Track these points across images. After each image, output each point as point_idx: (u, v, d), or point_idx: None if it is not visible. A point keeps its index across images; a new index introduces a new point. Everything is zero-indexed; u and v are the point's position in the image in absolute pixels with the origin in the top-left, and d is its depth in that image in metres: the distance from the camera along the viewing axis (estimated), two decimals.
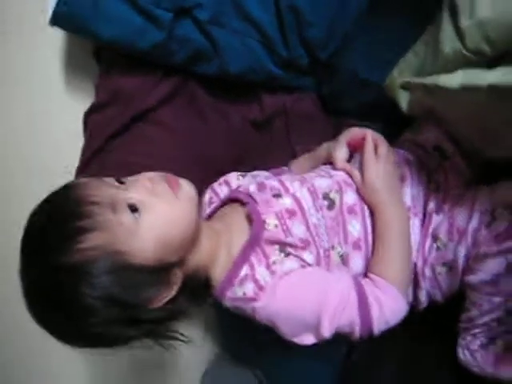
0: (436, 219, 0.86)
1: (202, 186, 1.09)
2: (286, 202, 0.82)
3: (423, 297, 0.88)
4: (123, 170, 1.08)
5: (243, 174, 0.95)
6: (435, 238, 0.85)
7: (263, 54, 1.05)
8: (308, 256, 0.79)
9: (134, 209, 0.73)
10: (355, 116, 1.07)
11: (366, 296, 0.76)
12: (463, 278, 0.82)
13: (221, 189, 0.94)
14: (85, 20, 1.00)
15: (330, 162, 0.92)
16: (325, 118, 1.11)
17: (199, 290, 0.80)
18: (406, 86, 0.83)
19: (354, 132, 0.89)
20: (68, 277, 0.69)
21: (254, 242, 0.78)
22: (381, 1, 0.96)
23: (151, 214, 0.73)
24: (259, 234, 0.79)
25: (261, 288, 0.76)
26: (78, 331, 0.72)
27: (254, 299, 0.76)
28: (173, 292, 0.75)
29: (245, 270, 0.77)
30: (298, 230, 0.80)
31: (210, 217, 0.91)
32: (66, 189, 0.75)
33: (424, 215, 0.87)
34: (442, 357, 0.95)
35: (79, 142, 1.17)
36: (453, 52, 0.73)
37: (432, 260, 0.85)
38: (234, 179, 0.94)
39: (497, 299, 0.81)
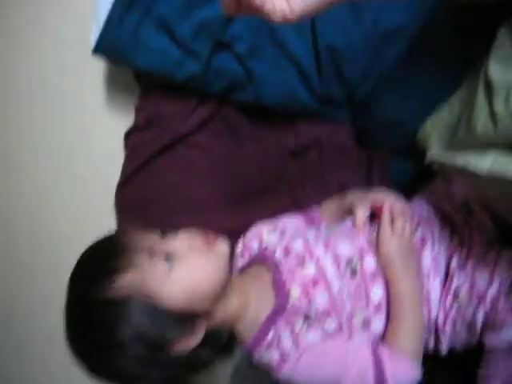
0: (458, 278, 0.86)
1: (235, 211, 1.14)
2: (310, 271, 0.85)
3: (443, 347, 0.89)
4: (162, 192, 1.15)
5: (273, 227, 0.97)
6: (456, 296, 0.85)
7: (299, 87, 1.05)
8: (330, 325, 0.82)
9: (168, 258, 0.79)
10: (388, 152, 1.07)
11: (383, 370, 0.79)
12: (481, 338, 0.83)
13: (251, 244, 0.97)
14: (125, 50, 1.04)
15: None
16: (359, 151, 1.11)
17: (221, 344, 0.84)
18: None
19: (376, 198, 0.91)
20: (100, 309, 0.75)
21: (279, 312, 0.83)
22: (422, 49, 0.95)
23: (183, 266, 0.79)
24: (284, 305, 0.83)
25: (284, 360, 0.81)
26: (102, 362, 0.78)
27: (278, 368, 0.81)
28: (195, 341, 0.79)
29: (271, 335, 0.82)
30: (320, 300, 0.82)
31: (239, 272, 0.94)
32: (114, 233, 0.85)
33: (446, 273, 0.88)
34: None
35: (120, 160, 1.21)
36: (485, 132, 0.71)
37: (452, 317, 0.86)
38: (265, 234, 0.97)
39: None
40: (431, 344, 0.90)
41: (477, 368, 0.89)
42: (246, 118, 1.14)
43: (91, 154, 1.30)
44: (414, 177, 0.90)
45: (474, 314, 0.83)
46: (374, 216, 0.91)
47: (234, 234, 1.10)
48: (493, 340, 0.81)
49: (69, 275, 0.81)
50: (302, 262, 0.86)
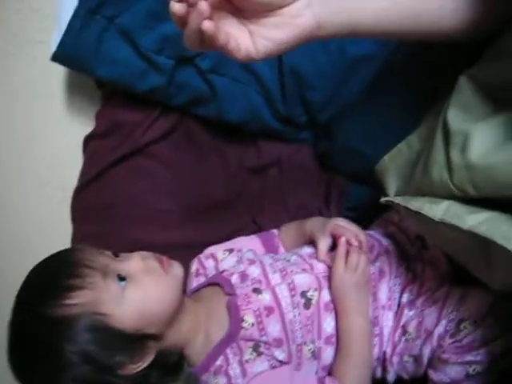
0: (407, 314, 0.87)
1: (194, 224, 1.14)
2: (265, 298, 0.85)
3: (390, 376, 0.90)
4: (118, 201, 1.14)
5: (229, 248, 0.97)
6: (405, 330, 0.86)
7: (262, 106, 1.05)
8: (280, 354, 0.83)
9: (122, 278, 0.78)
10: (348, 177, 1.07)
11: None
12: (426, 370, 0.85)
13: (208, 262, 0.97)
14: (86, 60, 1.02)
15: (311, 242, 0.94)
16: (319, 173, 1.11)
17: (171, 366, 0.83)
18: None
19: (335, 228, 0.90)
20: (49, 328, 0.74)
21: (231, 339, 0.83)
22: (387, 80, 0.95)
23: (136, 287, 0.78)
24: (236, 332, 0.83)
25: None
26: (47, 382, 0.76)
27: None
28: (145, 363, 0.78)
29: (220, 361, 0.82)
30: (273, 329, 0.83)
31: (193, 293, 0.93)
32: (66, 251, 0.83)
33: (398, 306, 0.89)
34: None
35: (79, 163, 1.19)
36: (440, 180, 0.72)
37: (400, 350, 0.87)
38: (221, 254, 0.96)
39: None
40: (378, 373, 0.92)
41: None
42: (209, 132, 1.13)
43: (51, 156, 1.27)
44: (372, 203, 0.90)
45: (421, 349, 0.84)
46: (335, 246, 0.91)
47: (191, 248, 1.10)
48: (437, 376, 0.83)
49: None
50: (258, 289, 0.86)
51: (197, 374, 0.85)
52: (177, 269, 0.84)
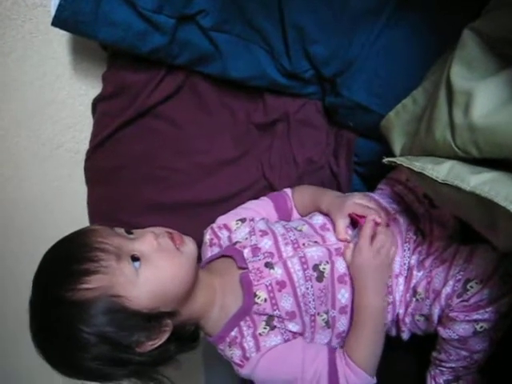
0: (417, 275, 0.88)
1: (204, 181, 1.14)
2: (278, 272, 0.85)
3: (405, 335, 0.92)
4: (131, 162, 1.15)
5: (242, 218, 0.96)
6: (415, 291, 0.87)
7: (267, 62, 1.03)
8: (294, 326, 0.84)
9: (135, 258, 0.79)
10: (355, 131, 1.06)
11: (337, 377, 0.83)
12: (436, 327, 0.86)
13: (221, 233, 0.96)
14: (86, 24, 0.99)
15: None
16: (327, 128, 1.10)
17: (187, 339, 0.86)
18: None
19: (358, 208, 0.89)
20: (67, 311, 0.76)
21: (245, 312, 0.85)
22: (390, 34, 0.92)
23: (151, 267, 0.80)
24: (249, 307, 0.84)
25: (246, 358, 0.83)
26: (70, 363, 0.79)
27: (239, 365, 0.84)
28: (162, 340, 0.80)
29: (234, 333, 0.85)
30: (286, 303, 0.84)
31: (207, 263, 0.94)
32: (79, 233, 0.83)
33: (408, 269, 0.89)
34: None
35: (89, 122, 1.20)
36: (443, 140, 0.70)
37: (411, 310, 0.89)
38: (233, 224, 0.96)
39: (463, 353, 0.86)
40: (393, 333, 0.94)
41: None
42: (215, 89, 1.12)
43: (62, 120, 1.28)
44: (380, 157, 0.89)
45: (431, 308, 0.85)
46: (354, 223, 0.91)
47: (202, 206, 1.12)
48: (446, 333, 0.84)
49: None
50: (269, 262, 0.86)
51: (213, 343, 0.88)
52: (190, 245, 0.84)
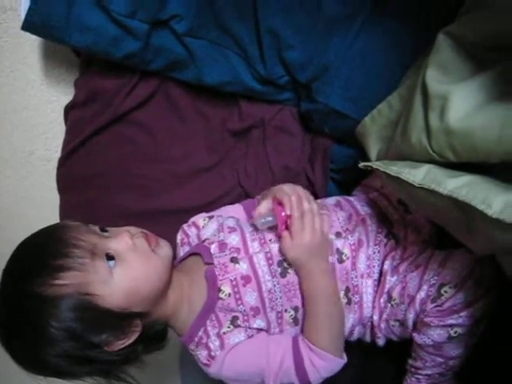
0: (390, 280, 0.87)
1: (180, 189, 1.13)
2: (242, 267, 0.85)
3: (380, 341, 0.92)
4: (104, 170, 1.13)
5: (210, 215, 0.96)
6: (390, 297, 0.87)
7: (242, 68, 1.02)
8: (259, 323, 0.84)
9: (110, 257, 0.79)
10: (331, 138, 1.05)
11: (302, 362, 0.82)
12: (411, 333, 0.86)
13: (190, 231, 0.96)
14: (57, 28, 0.97)
15: None
16: (303, 134, 1.09)
17: (155, 339, 0.85)
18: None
19: (278, 193, 0.87)
20: (38, 305, 0.75)
21: (209, 308, 0.84)
22: (365, 40, 0.92)
23: (125, 266, 0.79)
24: (213, 302, 0.84)
25: (212, 357, 0.83)
26: (35, 358, 0.78)
27: (206, 365, 0.84)
28: (131, 340, 0.80)
29: (201, 333, 0.84)
30: (250, 298, 0.84)
31: (178, 263, 0.94)
32: (55, 228, 0.83)
33: (380, 273, 0.89)
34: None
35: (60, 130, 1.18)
36: (419, 145, 0.70)
37: (386, 316, 0.88)
38: (201, 221, 0.96)
39: (439, 359, 0.86)
40: (368, 338, 0.93)
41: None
42: (190, 95, 1.10)
43: (32, 127, 1.25)
44: (356, 164, 0.88)
45: (405, 314, 0.85)
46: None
47: (177, 214, 1.10)
48: (421, 339, 0.84)
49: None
50: (235, 258, 0.86)
51: (184, 344, 0.87)
52: (165, 248, 0.84)
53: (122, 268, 0.78)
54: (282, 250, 0.84)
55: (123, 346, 0.79)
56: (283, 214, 0.84)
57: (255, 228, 0.88)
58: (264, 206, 0.87)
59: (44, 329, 0.75)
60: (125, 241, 0.80)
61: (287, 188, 0.88)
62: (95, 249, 0.78)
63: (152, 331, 0.83)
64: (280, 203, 0.85)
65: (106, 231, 0.83)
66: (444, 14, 0.82)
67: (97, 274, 0.76)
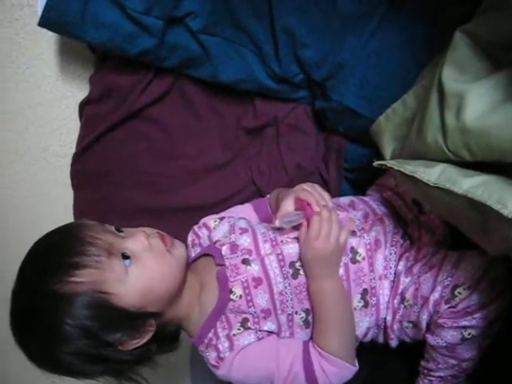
0: (404, 281, 0.86)
1: (195, 185, 1.13)
2: (254, 269, 0.84)
3: (393, 342, 0.91)
4: (119, 166, 1.13)
5: (221, 216, 0.96)
6: (403, 298, 0.86)
7: (257, 65, 1.02)
8: (269, 326, 0.84)
9: (126, 257, 0.79)
10: (345, 137, 1.05)
11: (312, 368, 0.81)
12: (425, 335, 0.85)
13: (201, 232, 0.96)
14: (73, 24, 0.98)
15: None
16: (317, 133, 1.09)
17: (168, 340, 0.85)
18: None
19: (301, 193, 0.85)
20: (53, 302, 0.75)
21: (220, 309, 0.84)
22: (381, 39, 0.92)
23: (140, 266, 0.79)
24: (225, 303, 0.84)
25: (221, 359, 0.82)
26: (49, 356, 0.78)
27: (215, 366, 0.83)
28: (144, 340, 0.80)
29: (211, 335, 0.84)
30: (261, 300, 0.83)
31: (190, 264, 0.93)
32: (72, 226, 0.83)
33: (394, 274, 0.88)
34: None
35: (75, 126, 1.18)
36: (434, 144, 0.69)
37: (399, 317, 0.87)
38: (212, 222, 0.95)
39: (452, 361, 0.85)
40: (380, 340, 0.93)
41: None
42: (204, 92, 1.11)
43: (47, 123, 1.26)
44: (370, 163, 0.88)
45: (419, 315, 0.84)
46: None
47: (190, 211, 1.11)
48: (434, 340, 0.83)
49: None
50: (247, 259, 0.86)
51: (194, 345, 0.87)
52: (180, 249, 0.84)
53: (137, 267, 0.79)
54: (302, 244, 0.83)
55: (137, 345, 0.79)
56: (311, 210, 0.82)
57: (277, 229, 0.87)
58: (288, 205, 0.86)
59: (59, 326, 0.75)
60: (140, 241, 0.80)
61: (309, 187, 0.87)
62: (111, 248, 0.78)
63: (165, 332, 0.83)
64: (304, 202, 0.84)
65: (122, 231, 0.83)
66: (460, 13, 0.81)
67: (112, 273, 0.76)
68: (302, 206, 0.84)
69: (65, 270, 0.75)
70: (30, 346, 0.79)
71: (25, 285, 0.79)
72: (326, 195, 0.87)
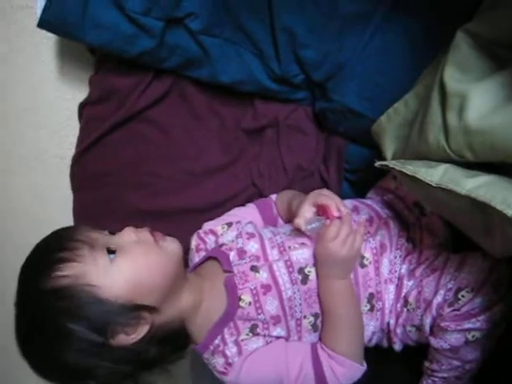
0: (407, 284, 0.86)
1: (192, 186, 1.12)
2: (263, 276, 0.84)
3: (397, 346, 0.91)
4: (118, 168, 1.13)
5: (228, 223, 0.95)
6: (406, 301, 0.86)
7: (257, 66, 1.01)
8: (279, 332, 0.84)
9: (111, 251, 0.79)
10: (346, 137, 1.04)
11: (322, 369, 0.81)
12: (428, 337, 0.85)
13: (208, 238, 0.95)
14: (73, 26, 0.97)
15: None
16: (317, 133, 1.08)
17: (172, 342, 0.84)
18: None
19: (320, 198, 0.85)
20: (42, 299, 0.77)
21: (229, 317, 0.83)
22: (381, 39, 0.91)
23: (126, 257, 0.79)
24: (233, 311, 0.83)
25: (229, 364, 0.82)
26: (51, 356, 0.77)
27: (223, 373, 0.83)
28: (139, 335, 0.79)
29: (218, 340, 0.83)
30: (270, 307, 0.83)
31: (195, 268, 0.93)
32: (62, 229, 0.85)
33: (398, 278, 0.88)
34: None
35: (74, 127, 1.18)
36: (436, 144, 0.69)
37: (402, 321, 0.87)
38: (220, 228, 0.95)
39: (455, 362, 0.84)
40: (385, 344, 0.92)
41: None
42: (204, 94, 1.10)
43: (47, 125, 1.26)
44: (373, 165, 0.87)
45: (422, 319, 0.84)
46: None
47: (189, 213, 1.10)
48: (437, 343, 0.83)
49: None
50: (255, 266, 0.85)
51: (198, 352, 0.86)
52: (172, 244, 0.84)
53: (123, 258, 0.79)
54: (320, 242, 0.82)
55: (131, 341, 0.78)
56: (332, 216, 0.82)
57: (296, 234, 0.87)
58: (308, 212, 0.85)
59: (51, 322, 0.76)
60: (127, 234, 0.82)
61: (328, 193, 0.86)
62: (94, 242, 0.79)
63: (166, 331, 0.82)
64: (326, 207, 0.83)
65: (114, 234, 0.84)
66: (461, 13, 0.80)
67: (95, 266, 0.77)
68: (324, 211, 0.84)
69: (48, 266, 0.76)
70: (31, 350, 0.79)
71: (18, 286, 0.80)
72: (339, 200, 0.86)
